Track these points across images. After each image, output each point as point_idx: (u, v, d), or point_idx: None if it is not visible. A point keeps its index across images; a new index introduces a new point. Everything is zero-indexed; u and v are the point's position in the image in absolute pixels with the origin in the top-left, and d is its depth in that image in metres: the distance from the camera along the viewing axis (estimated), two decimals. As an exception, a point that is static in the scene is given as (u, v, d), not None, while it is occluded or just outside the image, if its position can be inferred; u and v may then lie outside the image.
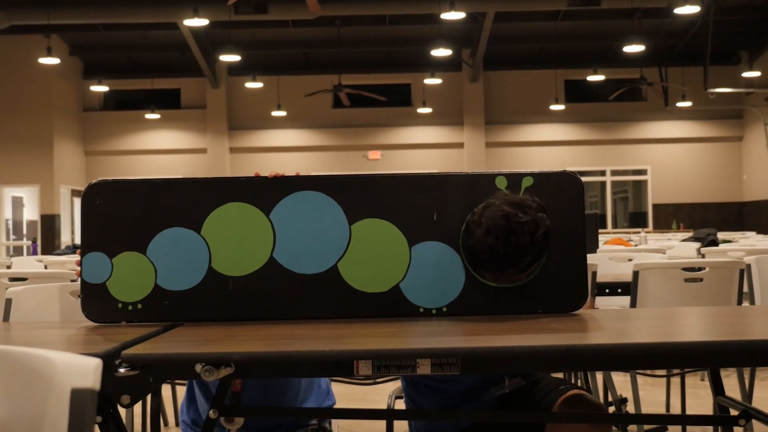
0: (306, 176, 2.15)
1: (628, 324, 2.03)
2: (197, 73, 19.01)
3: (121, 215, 2.11)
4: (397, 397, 2.55)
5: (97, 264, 2.08)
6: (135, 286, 2.08)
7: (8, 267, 5.53)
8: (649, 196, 19.64)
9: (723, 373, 3.91)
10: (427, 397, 2.24)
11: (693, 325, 2.15)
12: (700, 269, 3.30)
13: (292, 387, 2.30)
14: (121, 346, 1.59)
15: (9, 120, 17.91)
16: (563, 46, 18.57)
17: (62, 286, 2.59)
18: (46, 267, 5.24)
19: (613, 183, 19.88)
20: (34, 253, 16.36)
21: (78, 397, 0.87)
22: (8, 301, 2.41)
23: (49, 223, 18.11)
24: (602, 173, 19.69)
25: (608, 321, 2.03)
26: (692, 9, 12.26)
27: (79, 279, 2.10)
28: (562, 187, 2.15)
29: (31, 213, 18.98)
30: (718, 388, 2.16)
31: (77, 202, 17.62)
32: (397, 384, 2.51)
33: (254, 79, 17.24)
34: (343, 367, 1.60)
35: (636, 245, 7.50)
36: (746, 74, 17.36)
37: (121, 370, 1.50)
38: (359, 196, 2.13)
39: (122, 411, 1.65)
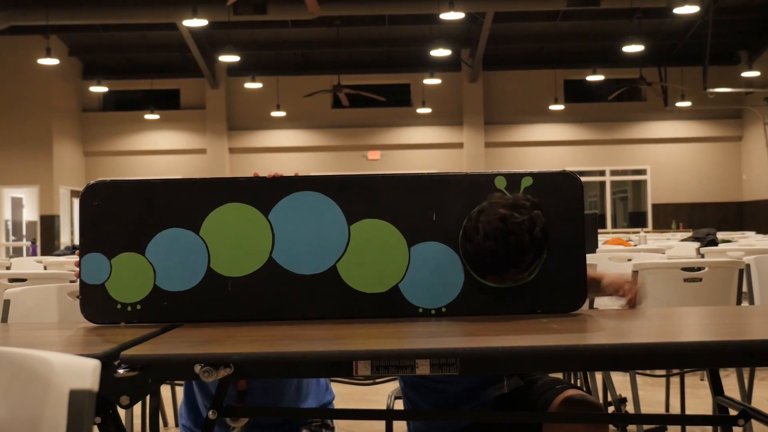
0: (305, 176, 2.14)
1: (627, 324, 2.03)
2: (196, 74, 19.01)
3: (120, 216, 2.10)
4: (396, 398, 2.55)
5: (96, 265, 2.08)
6: (134, 286, 2.08)
7: (8, 268, 5.52)
8: (649, 196, 19.64)
9: (722, 373, 3.91)
10: (425, 398, 2.24)
11: (692, 325, 2.15)
12: (699, 269, 3.30)
13: (293, 381, 2.30)
14: (120, 347, 1.59)
15: (8, 121, 17.90)
16: (563, 46, 18.58)
17: (61, 286, 2.58)
18: (45, 268, 5.23)
19: (613, 183, 19.88)
20: (34, 253, 16.37)
21: (76, 398, 0.87)
22: (6, 302, 2.40)
23: (49, 224, 18.11)
24: (602, 173, 19.69)
25: (607, 321, 2.03)
26: (692, 9, 12.26)
27: (78, 280, 2.10)
28: (562, 187, 2.14)
29: (30, 214, 18.97)
30: (717, 388, 2.16)
31: (77, 202, 17.57)
32: (396, 384, 2.51)
33: (253, 80, 17.23)
34: (342, 367, 1.60)
35: (635, 245, 7.51)
36: (746, 74, 17.36)
37: (120, 371, 1.50)
38: (358, 196, 2.12)
39: (121, 412, 1.65)
